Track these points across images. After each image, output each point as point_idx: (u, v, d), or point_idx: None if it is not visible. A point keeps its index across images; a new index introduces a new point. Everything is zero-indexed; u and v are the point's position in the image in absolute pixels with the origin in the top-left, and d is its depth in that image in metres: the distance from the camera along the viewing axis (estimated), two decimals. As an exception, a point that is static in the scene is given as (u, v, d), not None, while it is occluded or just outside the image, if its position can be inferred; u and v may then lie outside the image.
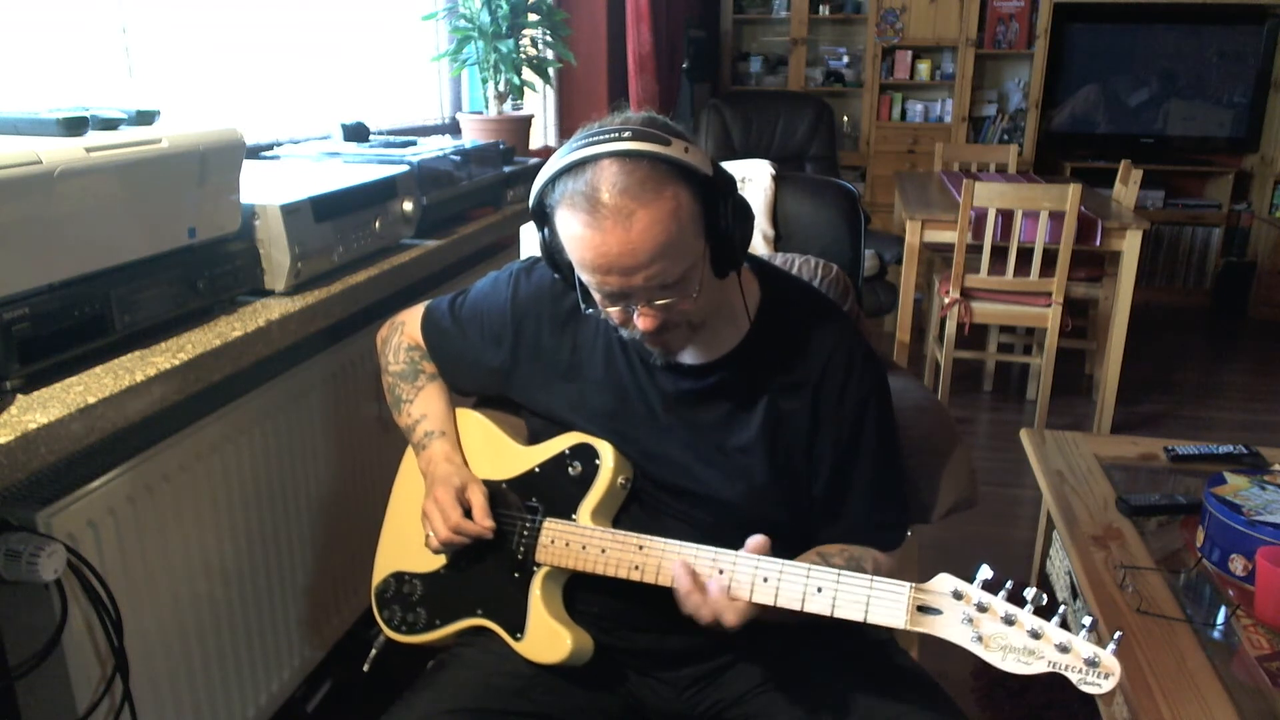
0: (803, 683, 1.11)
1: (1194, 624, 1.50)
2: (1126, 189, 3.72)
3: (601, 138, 0.95)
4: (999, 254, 3.26)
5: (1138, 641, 1.45)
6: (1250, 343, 4.78)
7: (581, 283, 1.03)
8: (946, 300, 3.36)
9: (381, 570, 1.27)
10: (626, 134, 0.95)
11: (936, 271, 3.81)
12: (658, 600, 1.10)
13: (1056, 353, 3.35)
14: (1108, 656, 0.85)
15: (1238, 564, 1.61)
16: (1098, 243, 3.22)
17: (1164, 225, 5.24)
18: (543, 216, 1.03)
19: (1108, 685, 0.85)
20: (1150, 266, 5.27)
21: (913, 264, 3.42)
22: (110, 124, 0.97)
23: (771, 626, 1.07)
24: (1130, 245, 3.23)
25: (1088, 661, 0.85)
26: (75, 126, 0.92)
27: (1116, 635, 0.86)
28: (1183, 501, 1.87)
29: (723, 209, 0.99)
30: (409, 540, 1.22)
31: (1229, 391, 4.06)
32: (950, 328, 3.40)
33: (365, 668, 1.29)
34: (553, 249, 1.04)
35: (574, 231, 0.96)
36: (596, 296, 1.02)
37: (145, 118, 1.03)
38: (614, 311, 1.02)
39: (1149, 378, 4.08)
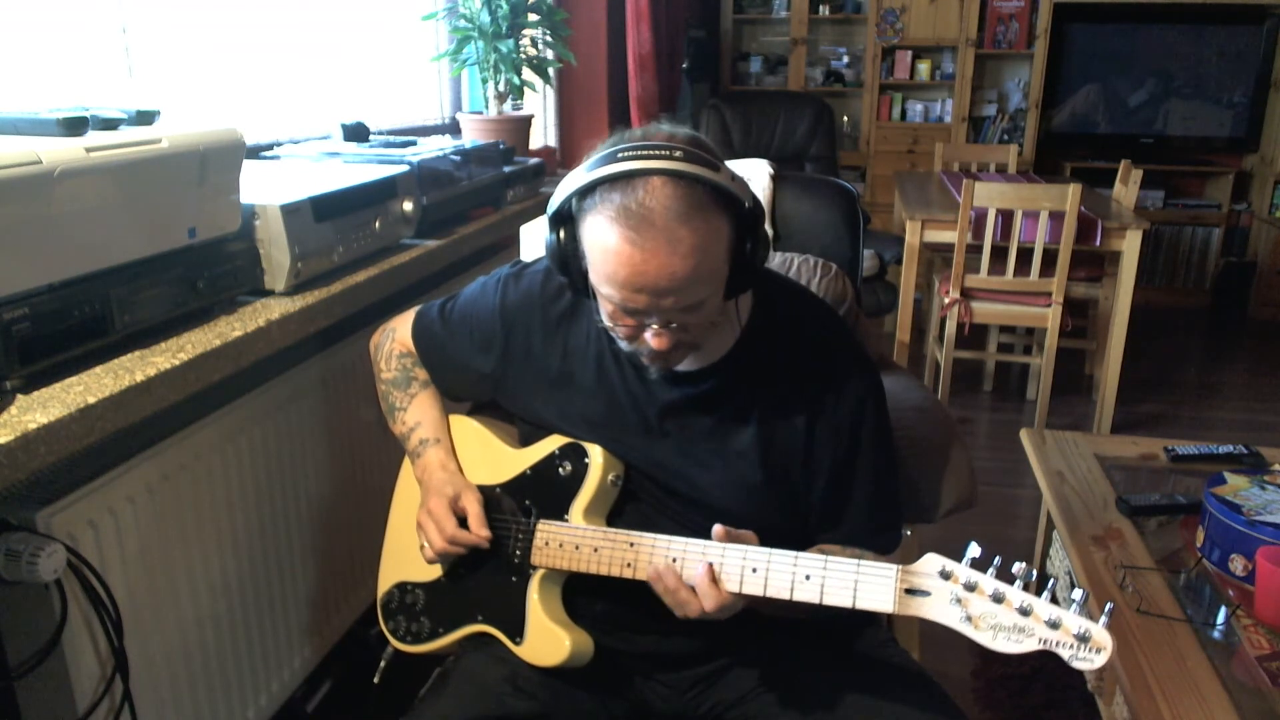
0: (803, 683, 1.11)
1: (1194, 624, 1.50)
2: (1126, 189, 3.72)
3: (651, 152, 0.91)
4: (999, 254, 3.26)
5: (1138, 641, 1.45)
6: (1250, 343, 4.78)
7: (589, 289, 1.01)
8: (946, 300, 3.37)
9: (385, 582, 1.27)
10: (678, 153, 0.91)
11: (936, 271, 3.81)
12: (658, 603, 1.09)
13: (1056, 353, 3.36)
14: (1099, 631, 0.84)
15: (1238, 564, 1.61)
16: (1098, 243, 3.23)
17: (1164, 225, 5.24)
18: (566, 220, 0.99)
19: (1099, 660, 0.84)
20: (1150, 266, 5.28)
21: (913, 264, 3.42)
22: (110, 124, 0.97)
23: (771, 623, 1.07)
24: (1130, 245, 3.24)
25: (1078, 637, 0.84)
26: (75, 126, 0.92)
27: (1107, 607, 0.85)
28: (1183, 501, 1.88)
29: (751, 239, 0.98)
30: (410, 551, 1.22)
31: (1229, 391, 4.06)
32: (950, 328, 3.40)
33: (375, 679, 1.29)
34: (568, 254, 1.00)
35: (611, 245, 0.92)
36: (608, 308, 0.99)
37: (145, 118, 1.03)
38: (625, 326, 0.99)
39: (1149, 378, 4.08)
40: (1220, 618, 1.53)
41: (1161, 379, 4.11)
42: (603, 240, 0.93)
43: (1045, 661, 2.08)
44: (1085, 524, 1.83)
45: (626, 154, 0.92)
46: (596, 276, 0.97)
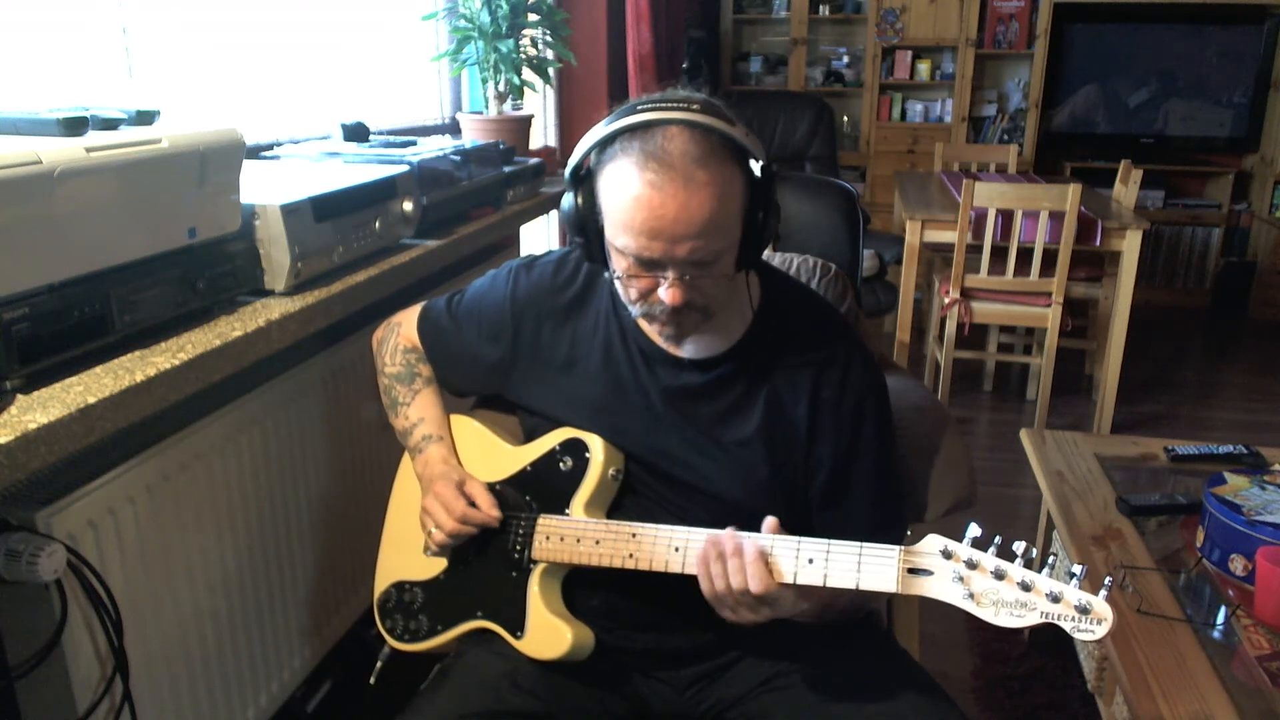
0: (802, 682, 1.11)
1: (1194, 624, 1.50)
2: (1126, 189, 3.72)
3: (670, 106, 0.95)
4: (999, 254, 3.26)
5: (1138, 641, 1.45)
6: (1250, 343, 4.78)
7: (604, 252, 1.02)
8: (946, 300, 3.37)
9: (382, 581, 1.27)
10: (695, 106, 0.96)
11: (936, 271, 3.81)
12: (658, 599, 1.10)
13: (1056, 353, 3.36)
14: (1099, 603, 0.86)
15: (1238, 564, 1.61)
16: (1098, 243, 3.23)
17: (1164, 225, 5.24)
18: (584, 177, 1.02)
19: (1101, 631, 0.85)
20: (1150, 266, 5.28)
21: (913, 264, 3.42)
22: (110, 124, 0.97)
23: (771, 622, 1.07)
24: (1130, 245, 3.24)
25: (1079, 609, 0.86)
26: (75, 126, 0.92)
27: (1106, 581, 0.86)
28: (1183, 501, 1.87)
29: (763, 201, 1.00)
30: (408, 549, 1.22)
31: (1229, 391, 4.06)
32: (950, 328, 3.40)
33: (371, 680, 1.28)
34: (585, 213, 1.02)
35: (631, 191, 0.94)
36: (623, 263, 1.00)
37: (145, 118, 1.03)
38: (640, 282, 1.00)
39: (1149, 378, 4.08)
40: (1220, 618, 1.53)
41: (1161, 379, 4.12)
42: (622, 185, 0.95)
43: (1045, 661, 2.08)
44: (1085, 524, 1.83)
45: (646, 107, 0.96)
46: (613, 228, 0.99)
